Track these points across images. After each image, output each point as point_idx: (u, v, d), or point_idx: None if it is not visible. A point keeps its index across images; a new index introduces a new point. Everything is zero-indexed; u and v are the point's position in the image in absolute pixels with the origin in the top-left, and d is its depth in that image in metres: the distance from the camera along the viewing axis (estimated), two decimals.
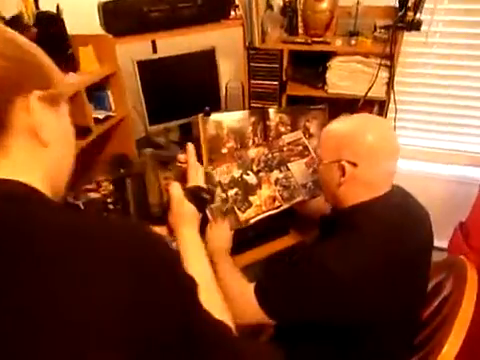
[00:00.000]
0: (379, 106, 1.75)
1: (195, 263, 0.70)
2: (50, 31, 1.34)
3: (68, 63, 1.38)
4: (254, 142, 1.65)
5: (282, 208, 1.37)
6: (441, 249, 1.61)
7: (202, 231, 0.87)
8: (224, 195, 1.34)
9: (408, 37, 1.75)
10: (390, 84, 1.64)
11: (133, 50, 1.70)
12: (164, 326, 0.42)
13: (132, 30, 1.52)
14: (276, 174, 1.45)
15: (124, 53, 1.58)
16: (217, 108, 1.88)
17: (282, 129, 1.69)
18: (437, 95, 1.98)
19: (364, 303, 0.86)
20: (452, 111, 1.99)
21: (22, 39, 0.49)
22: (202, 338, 0.51)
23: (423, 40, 1.84)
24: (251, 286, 0.96)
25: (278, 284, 0.95)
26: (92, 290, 0.38)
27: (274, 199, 1.39)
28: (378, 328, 0.90)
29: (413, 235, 0.95)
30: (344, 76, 1.69)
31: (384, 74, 1.63)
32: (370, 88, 1.64)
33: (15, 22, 1.24)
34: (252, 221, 1.32)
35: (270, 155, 1.51)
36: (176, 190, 0.74)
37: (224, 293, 1.01)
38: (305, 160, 1.51)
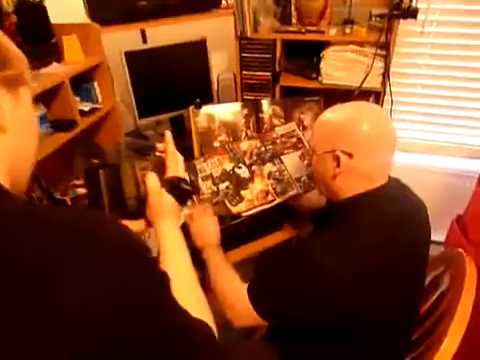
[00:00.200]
0: (375, 97, 1.71)
1: (174, 259, 0.66)
2: (32, 19, 1.29)
3: (51, 53, 1.33)
4: (247, 135, 1.61)
5: (275, 202, 1.34)
6: (438, 243, 1.58)
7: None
8: (215, 188, 1.30)
9: (404, 26, 1.71)
10: (386, 74, 1.60)
11: (122, 40, 1.64)
12: (133, 323, 0.41)
13: (119, 19, 1.47)
14: (269, 167, 1.41)
15: (112, 43, 1.53)
16: (209, 100, 1.83)
17: (275, 121, 1.65)
18: (434, 86, 1.93)
19: (360, 301, 0.82)
20: (449, 103, 1.95)
21: None
22: (176, 336, 0.48)
23: (419, 29, 1.80)
24: (244, 287, 0.93)
25: (271, 284, 0.92)
26: (56, 289, 0.36)
27: (267, 193, 1.35)
28: (374, 325, 0.87)
29: (410, 229, 0.91)
30: (339, 66, 1.64)
31: (379, 64, 1.59)
32: (365, 78, 1.59)
33: None
34: (244, 214, 1.28)
35: (263, 148, 1.47)
36: (152, 181, 0.69)
37: (216, 292, 0.99)
38: (299, 153, 1.46)
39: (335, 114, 0.94)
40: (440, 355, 0.78)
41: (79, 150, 0.58)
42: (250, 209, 1.30)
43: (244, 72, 1.77)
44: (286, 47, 1.76)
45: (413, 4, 1.49)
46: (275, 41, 1.67)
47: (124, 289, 0.41)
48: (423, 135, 2.08)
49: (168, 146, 0.72)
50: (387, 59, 1.57)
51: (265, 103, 1.63)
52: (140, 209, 0.68)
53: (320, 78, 1.71)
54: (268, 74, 1.75)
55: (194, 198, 1.23)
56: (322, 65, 1.68)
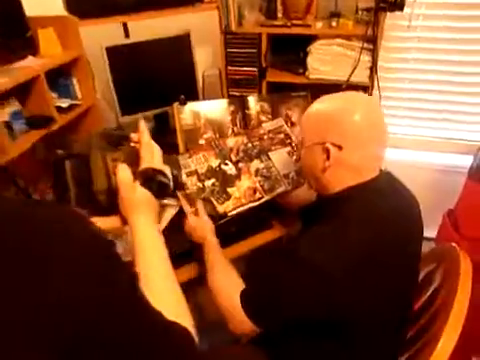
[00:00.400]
0: (362, 92, 1.68)
1: (150, 259, 0.61)
2: (5, 11, 1.23)
3: (26, 46, 1.27)
4: (233, 132, 1.56)
5: (263, 200, 1.29)
6: (429, 239, 1.56)
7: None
8: (200, 185, 1.25)
9: (391, 20, 1.70)
10: (373, 68, 1.58)
11: (104, 35, 1.59)
12: (103, 322, 0.40)
13: (99, 12, 1.41)
14: (256, 164, 1.37)
15: (93, 38, 1.47)
16: (194, 97, 1.78)
17: (263, 118, 1.61)
18: (421, 81, 1.92)
19: (350, 296, 0.79)
20: (437, 97, 1.94)
21: None
22: (146, 337, 0.45)
23: (406, 23, 1.78)
24: (238, 293, 0.89)
25: (263, 293, 0.88)
26: (33, 288, 0.36)
27: (254, 191, 1.31)
28: (365, 322, 0.83)
29: (401, 224, 0.88)
30: (326, 60, 1.62)
31: (367, 58, 1.57)
32: (353, 72, 1.57)
33: None
34: (231, 214, 1.23)
35: (250, 144, 1.42)
36: (123, 172, 0.63)
37: (213, 294, 0.95)
38: (287, 149, 1.42)
39: (324, 104, 0.91)
40: (437, 354, 0.75)
41: (44, 139, 0.52)
42: (237, 207, 1.25)
43: (229, 67, 1.73)
44: (272, 42, 1.74)
45: None
46: (261, 35, 1.64)
47: (93, 288, 0.40)
48: (412, 130, 2.06)
49: (142, 136, 0.66)
50: (374, 53, 1.55)
51: (252, 99, 1.59)
52: (113, 204, 0.62)
53: (307, 73, 1.68)
54: (254, 69, 1.72)
55: (178, 194, 1.17)
56: (309, 60, 1.66)
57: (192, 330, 0.54)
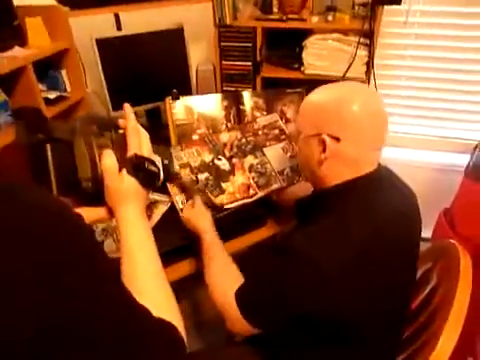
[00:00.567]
0: None
1: (138, 254, 0.57)
2: None
3: (13, 36, 1.23)
4: (227, 127, 1.53)
5: (257, 196, 1.26)
6: (424, 239, 1.54)
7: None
8: (194, 177, 1.22)
9: (387, 17, 1.67)
10: (370, 63, 1.55)
11: (95, 26, 1.54)
12: (75, 313, 0.38)
13: (89, 2, 1.37)
14: (250, 160, 1.34)
15: (85, 29, 1.43)
16: (187, 93, 1.74)
17: (257, 114, 1.58)
18: (418, 78, 1.90)
19: (349, 296, 0.76)
20: (434, 95, 1.91)
21: None
22: (129, 335, 0.43)
23: (403, 19, 1.75)
24: (233, 291, 0.87)
25: (256, 289, 0.86)
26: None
27: (248, 187, 1.27)
28: (363, 322, 0.81)
29: (399, 220, 0.86)
30: (322, 55, 1.59)
31: (363, 53, 1.54)
32: (349, 67, 1.54)
33: None
34: (227, 206, 1.20)
35: (244, 139, 1.39)
36: (108, 159, 0.58)
37: (209, 290, 0.93)
38: (282, 145, 1.40)
39: (322, 94, 0.88)
40: (437, 353, 0.72)
41: (21, 121, 0.48)
42: (232, 202, 1.22)
43: (224, 62, 1.70)
44: (267, 37, 1.71)
45: None
46: (255, 29, 1.61)
47: (67, 279, 0.38)
48: (408, 128, 2.04)
49: (128, 121, 0.62)
50: (371, 48, 1.52)
51: (246, 95, 1.56)
52: (99, 193, 0.58)
53: (302, 68, 1.65)
54: (249, 64, 1.68)
55: (168, 186, 1.13)
56: (304, 55, 1.63)
57: (181, 329, 0.51)
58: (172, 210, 1.22)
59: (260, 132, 1.42)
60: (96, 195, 0.58)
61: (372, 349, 0.86)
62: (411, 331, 0.93)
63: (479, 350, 1.44)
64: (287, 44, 1.72)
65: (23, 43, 1.25)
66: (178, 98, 1.49)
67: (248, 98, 1.55)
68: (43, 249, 0.37)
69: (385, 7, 1.50)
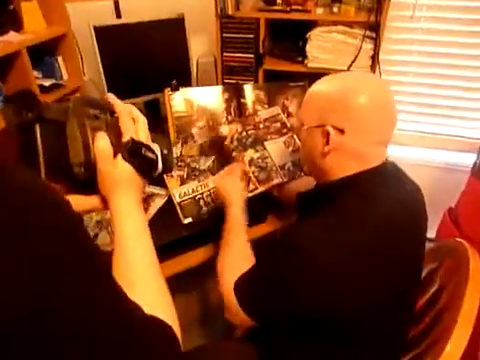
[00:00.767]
0: None
1: (130, 243, 0.53)
2: None
3: (8, 20, 1.19)
4: (227, 120, 1.49)
5: (257, 191, 1.22)
6: (428, 239, 1.51)
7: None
8: (196, 165, 1.19)
9: (394, 11, 1.63)
10: (375, 57, 1.51)
11: (95, 14, 1.50)
12: (60, 299, 0.35)
13: None
14: (251, 154, 1.30)
15: (84, 16, 1.39)
16: (187, 84, 1.71)
17: (259, 108, 1.54)
18: (425, 74, 1.85)
19: (348, 291, 0.74)
20: (440, 92, 1.87)
21: None
22: (119, 332, 0.40)
23: (409, 14, 1.71)
24: (233, 280, 0.86)
25: (257, 284, 0.83)
26: None
27: (248, 181, 1.23)
28: (364, 320, 0.77)
29: (406, 217, 0.82)
30: (326, 48, 1.55)
31: (369, 46, 1.50)
32: (354, 61, 1.50)
33: None
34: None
35: (244, 133, 1.35)
36: (102, 141, 0.53)
37: (217, 275, 0.90)
38: (283, 138, 1.36)
39: (328, 84, 0.84)
40: (446, 355, 0.68)
41: (11, 100, 0.44)
42: None
43: (225, 53, 1.66)
44: (270, 29, 1.67)
45: None
46: (258, 20, 1.57)
47: (50, 270, 0.35)
48: (414, 126, 1.99)
49: (116, 105, 0.57)
50: (377, 40, 1.48)
51: (248, 88, 1.52)
52: (92, 181, 0.54)
53: (306, 61, 1.61)
54: (251, 56, 1.64)
55: (165, 179, 1.09)
56: (308, 47, 1.59)
57: (176, 327, 0.48)
58: (169, 203, 1.19)
59: (261, 125, 1.39)
60: (89, 182, 0.54)
61: (374, 349, 0.83)
62: (416, 332, 0.89)
63: None
64: (290, 36, 1.68)
65: (18, 28, 1.22)
66: (178, 89, 1.45)
67: (249, 91, 1.52)
68: (26, 235, 0.34)
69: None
